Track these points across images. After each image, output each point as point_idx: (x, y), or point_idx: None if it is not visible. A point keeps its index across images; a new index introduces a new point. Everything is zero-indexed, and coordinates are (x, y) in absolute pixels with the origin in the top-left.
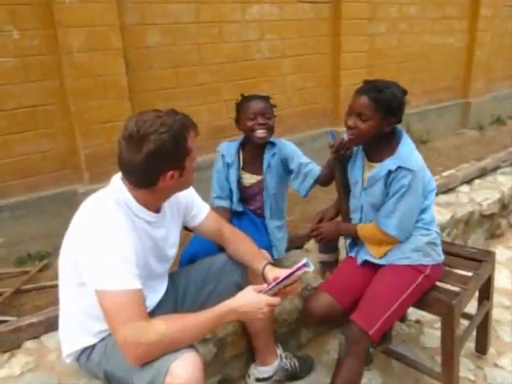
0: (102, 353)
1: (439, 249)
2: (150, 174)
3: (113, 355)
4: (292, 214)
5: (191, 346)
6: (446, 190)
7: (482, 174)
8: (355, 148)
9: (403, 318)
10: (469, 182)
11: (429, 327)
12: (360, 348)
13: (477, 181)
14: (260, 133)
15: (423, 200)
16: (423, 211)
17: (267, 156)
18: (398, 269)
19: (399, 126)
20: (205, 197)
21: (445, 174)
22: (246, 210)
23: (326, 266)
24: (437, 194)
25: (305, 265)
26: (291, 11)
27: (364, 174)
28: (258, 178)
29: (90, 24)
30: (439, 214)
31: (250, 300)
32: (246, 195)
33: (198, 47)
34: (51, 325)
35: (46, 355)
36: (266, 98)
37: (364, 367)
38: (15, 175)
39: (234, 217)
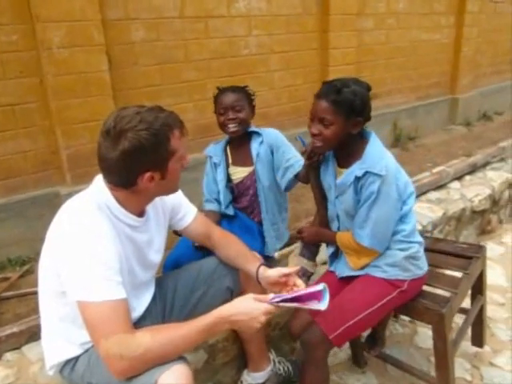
0: (86, 364)
1: (421, 262)
2: (126, 174)
3: (97, 367)
4: None
5: (181, 357)
6: (437, 186)
7: (473, 169)
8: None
9: (397, 318)
10: (459, 178)
11: (422, 326)
12: (320, 353)
13: (467, 177)
14: (231, 127)
15: (401, 206)
16: (403, 220)
17: (255, 145)
18: (372, 280)
19: (368, 127)
20: (191, 198)
21: (436, 170)
22: (237, 212)
23: (304, 274)
24: (427, 191)
25: (320, 293)
26: (279, 6)
27: (336, 180)
28: (249, 169)
29: (70, 19)
30: (431, 211)
31: (246, 307)
32: (239, 191)
33: (184, 43)
34: (33, 334)
35: (28, 367)
36: (239, 89)
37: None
38: None
39: (224, 220)
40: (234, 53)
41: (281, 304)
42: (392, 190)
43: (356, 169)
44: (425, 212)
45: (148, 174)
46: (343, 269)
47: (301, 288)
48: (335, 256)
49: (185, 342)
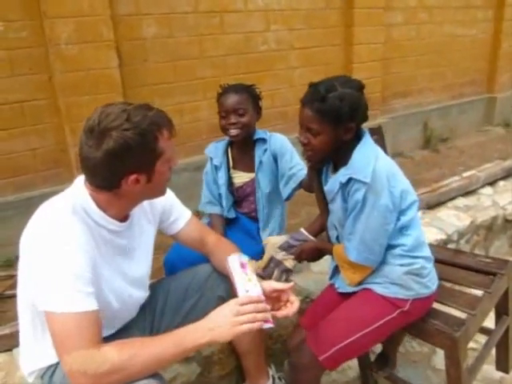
0: (63, 376)
1: (427, 280)
2: (109, 175)
3: None
4: (297, 216)
5: (156, 374)
6: (467, 192)
7: (508, 174)
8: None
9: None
10: (492, 183)
11: None
12: (309, 376)
13: (501, 182)
14: (232, 132)
15: (397, 216)
16: (403, 233)
17: (258, 152)
18: (371, 298)
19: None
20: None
21: (465, 174)
22: (238, 215)
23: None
24: (455, 197)
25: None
26: (300, 0)
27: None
28: (251, 175)
29: (78, 14)
30: (457, 218)
31: (219, 311)
32: (240, 196)
33: (198, 39)
34: None
35: (16, 371)
36: (243, 90)
37: None
38: (2, 174)
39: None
40: (252, 49)
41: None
42: (381, 198)
43: (341, 175)
44: (451, 220)
45: (133, 177)
46: (343, 283)
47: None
48: (337, 269)
49: (157, 358)
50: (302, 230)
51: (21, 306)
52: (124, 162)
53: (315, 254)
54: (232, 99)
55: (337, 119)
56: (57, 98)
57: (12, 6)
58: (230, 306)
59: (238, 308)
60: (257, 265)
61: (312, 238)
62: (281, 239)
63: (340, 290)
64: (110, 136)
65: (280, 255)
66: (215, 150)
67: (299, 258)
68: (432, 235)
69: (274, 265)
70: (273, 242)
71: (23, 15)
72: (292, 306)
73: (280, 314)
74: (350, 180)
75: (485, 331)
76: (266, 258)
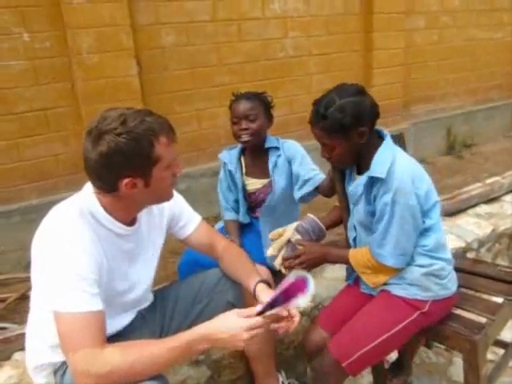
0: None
1: (447, 281)
2: (104, 177)
3: None
4: None
5: (158, 376)
6: (489, 199)
7: None
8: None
9: (430, 345)
10: None
11: (460, 357)
12: (332, 382)
13: None
14: (243, 138)
15: (421, 218)
16: (424, 234)
17: (272, 158)
18: (391, 300)
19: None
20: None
21: (488, 181)
22: (252, 220)
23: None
24: (477, 204)
25: (303, 281)
26: (318, 6)
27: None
28: (264, 181)
29: (99, 25)
30: (478, 226)
31: (226, 324)
32: (252, 202)
33: (216, 47)
34: None
35: None
36: (255, 97)
37: None
38: (26, 179)
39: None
40: (269, 56)
41: (267, 314)
42: (410, 199)
43: (364, 177)
44: (471, 228)
45: (128, 180)
46: (367, 285)
47: (282, 285)
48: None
49: (159, 361)
50: (309, 215)
51: (33, 306)
52: (116, 165)
53: (320, 262)
54: (243, 105)
55: (343, 131)
56: (79, 106)
57: (37, 17)
58: (237, 328)
59: (246, 335)
60: (272, 248)
61: (321, 224)
62: (294, 225)
63: (365, 291)
64: (103, 139)
65: (296, 237)
66: (229, 156)
67: (303, 267)
68: (450, 243)
69: (290, 249)
70: (288, 228)
71: (48, 26)
72: (293, 321)
73: (281, 329)
74: (374, 182)
75: (501, 344)
76: (283, 239)
